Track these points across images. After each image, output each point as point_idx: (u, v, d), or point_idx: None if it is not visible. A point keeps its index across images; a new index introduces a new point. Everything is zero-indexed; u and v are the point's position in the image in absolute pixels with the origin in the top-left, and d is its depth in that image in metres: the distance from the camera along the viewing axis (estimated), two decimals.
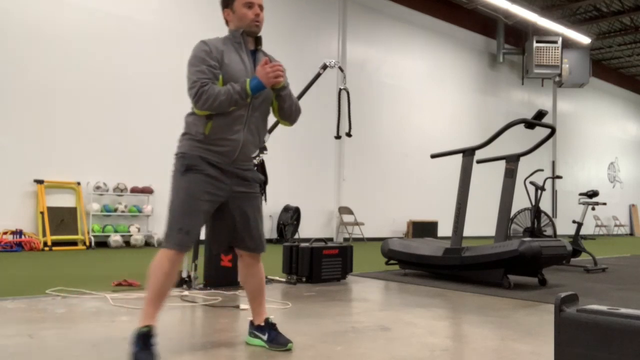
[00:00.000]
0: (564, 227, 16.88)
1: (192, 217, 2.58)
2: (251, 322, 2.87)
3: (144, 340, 2.44)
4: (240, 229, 2.74)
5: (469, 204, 5.71)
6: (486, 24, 17.07)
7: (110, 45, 9.60)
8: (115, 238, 9.22)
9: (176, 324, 3.35)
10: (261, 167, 5.20)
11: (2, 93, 8.55)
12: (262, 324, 2.82)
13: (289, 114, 2.81)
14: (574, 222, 7.84)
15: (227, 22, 2.78)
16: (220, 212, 2.72)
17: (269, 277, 5.28)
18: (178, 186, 2.63)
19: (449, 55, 15.97)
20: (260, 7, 2.72)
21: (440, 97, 15.65)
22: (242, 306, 3.88)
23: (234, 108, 2.60)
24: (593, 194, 7.56)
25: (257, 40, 2.78)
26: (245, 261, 2.84)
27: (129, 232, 9.46)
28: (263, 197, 5.18)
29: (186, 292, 4.42)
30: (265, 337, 2.78)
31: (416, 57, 14.99)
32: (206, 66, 2.58)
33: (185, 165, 2.63)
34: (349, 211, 12.83)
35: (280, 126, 5.46)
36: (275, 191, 9.96)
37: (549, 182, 18.72)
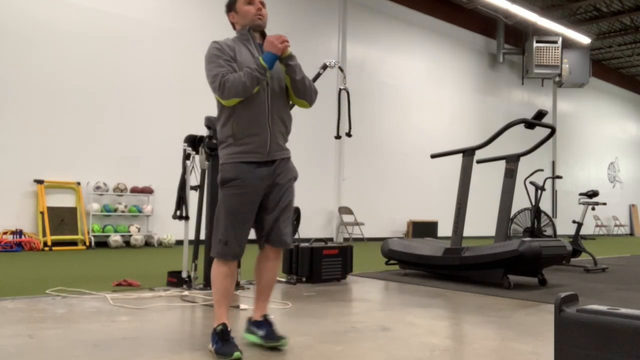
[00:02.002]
0: (564, 227, 16.88)
1: (232, 231, 2.70)
2: (249, 319, 2.92)
3: (222, 336, 2.62)
4: (272, 220, 2.79)
5: (469, 204, 5.71)
6: (486, 24, 17.07)
7: (110, 46, 9.59)
8: (115, 238, 9.22)
9: (176, 324, 3.35)
10: None
11: (2, 93, 8.55)
12: (260, 319, 2.86)
13: (302, 89, 2.82)
14: (574, 222, 7.84)
15: (233, 26, 2.88)
16: (261, 207, 2.82)
17: None
18: (220, 199, 2.75)
19: (449, 55, 15.97)
20: (262, 2, 2.82)
21: (440, 97, 15.65)
22: (242, 306, 3.88)
23: (257, 88, 2.67)
24: (593, 194, 7.56)
25: (264, 35, 2.86)
26: (266, 254, 2.88)
27: (129, 232, 9.46)
28: None
29: (186, 292, 4.42)
30: (261, 333, 2.81)
31: (416, 57, 14.99)
32: (222, 60, 2.69)
33: (223, 179, 2.73)
34: (349, 211, 12.83)
35: None
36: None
37: (549, 182, 18.74)
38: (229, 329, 2.66)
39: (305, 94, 2.84)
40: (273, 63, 2.69)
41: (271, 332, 2.80)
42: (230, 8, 2.86)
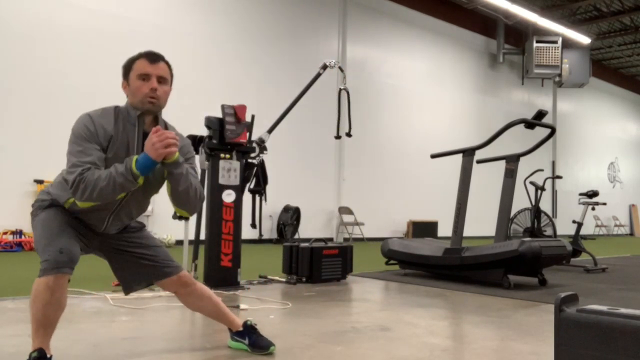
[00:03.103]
0: (564, 227, 16.88)
1: (54, 240, 2.19)
2: (230, 330, 2.73)
3: None
4: (144, 264, 2.49)
5: (469, 204, 5.71)
6: (486, 24, 17.07)
7: (110, 45, 9.59)
8: None
9: (176, 324, 3.35)
10: (261, 167, 5.21)
11: (2, 93, 8.55)
12: (241, 329, 2.67)
13: (184, 200, 2.33)
14: (574, 222, 7.84)
15: (126, 96, 2.40)
16: (115, 259, 2.51)
17: (269, 277, 5.29)
18: (37, 223, 2.28)
19: (449, 55, 15.97)
20: (162, 79, 2.34)
21: (440, 97, 15.65)
22: (242, 306, 3.88)
23: (122, 195, 2.23)
24: (593, 194, 7.56)
25: (157, 120, 2.38)
26: (179, 291, 2.58)
27: None
28: (263, 197, 5.20)
29: None
30: (247, 341, 2.64)
31: (416, 57, 14.99)
32: (91, 146, 2.21)
33: (41, 207, 2.32)
34: (349, 211, 12.83)
35: (280, 126, 5.48)
36: (275, 191, 9.97)
37: (549, 182, 18.73)
38: (48, 355, 2.18)
39: (186, 205, 2.36)
40: (149, 170, 2.18)
41: (257, 339, 2.63)
42: (125, 75, 2.36)
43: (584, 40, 17.34)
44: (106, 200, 2.19)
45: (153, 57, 2.34)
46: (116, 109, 2.35)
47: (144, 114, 2.33)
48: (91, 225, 2.38)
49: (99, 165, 2.19)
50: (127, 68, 2.34)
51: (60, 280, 2.13)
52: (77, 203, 2.21)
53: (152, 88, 2.29)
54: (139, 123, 2.32)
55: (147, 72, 2.29)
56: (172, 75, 2.41)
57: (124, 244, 2.48)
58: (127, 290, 2.56)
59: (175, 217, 4.92)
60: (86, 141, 2.20)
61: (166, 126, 2.43)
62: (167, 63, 2.38)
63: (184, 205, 2.36)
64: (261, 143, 5.13)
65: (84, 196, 2.14)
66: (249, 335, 2.65)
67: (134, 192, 2.31)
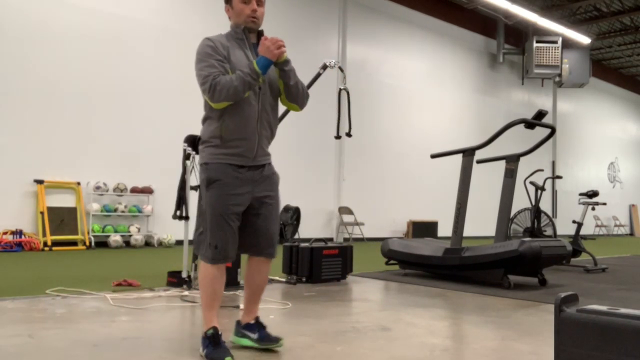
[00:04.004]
0: (564, 227, 16.88)
1: (221, 233, 2.63)
2: (238, 322, 2.86)
3: (213, 340, 2.56)
4: (255, 235, 2.74)
5: (469, 204, 5.71)
6: (486, 24, 17.07)
7: (110, 46, 9.59)
8: (115, 238, 9.22)
9: (176, 324, 3.35)
10: None
11: (2, 93, 8.54)
12: (253, 322, 2.81)
13: (295, 93, 2.78)
14: (574, 222, 7.84)
15: (229, 18, 2.80)
16: (251, 219, 2.75)
17: (269, 277, 5.28)
18: (206, 201, 2.68)
19: (449, 55, 15.97)
20: (259, 1, 2.73)
21: (440, 97, 15.64)
22: (242, 306, 3.87)
23: (249, 93, 2.61)
24: (593, 194, 7.56)
25: (259, 35, 2.77)
26: (254, 262, 2.83)
27: (129, 232, 9.46)
28: None
29: (186, 292, 4.42)
30: (255, 336, 2.76)
31: (416, 57, 14.99)
32: (214, 60, 2.61)
33: (208, 179, 2.66)
34: (349, 211, 12.83)
35: (280, 127, 5.47)
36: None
37: (549, 182, 18.72)
38: (219, 333, 2.60)
39: (297, 98, 2.81)
40: (267, 68, 2.62)
41: (266, 334, 2.76)
42: (226, 1, 2.78)
43: (584, 40, 17.34)
44: (238, 98, 2.58)
45: None
46: (225, 33, 2.77)
47: (246, 29, 2.74)
48: (244, 157, 2.67)
49: (225, 73, 2.59)
50: None
51: (217, 267, 2.65)
52: (212, 105, 2.60)
53: (253, 9, 2.70)
54: (247, 40, 2.74)
55: None
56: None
57: (263, 194, 2.75)
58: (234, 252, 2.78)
59: (175, 217, 4.93)
60: (211, 56, 2.61)
61: None
62: None
63: (295, 99, 2.80)
64: None
65: (221, 96, 2.54)
66: (259, 330, 2.77)
67: (264, 97, 2.71)
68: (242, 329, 2.82)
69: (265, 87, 2.71)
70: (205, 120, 2.74)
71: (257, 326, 2.79)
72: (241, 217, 2.70)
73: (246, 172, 2.68)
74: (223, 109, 2.63)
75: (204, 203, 2.69)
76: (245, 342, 2.78)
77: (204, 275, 2.66)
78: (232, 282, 4.71)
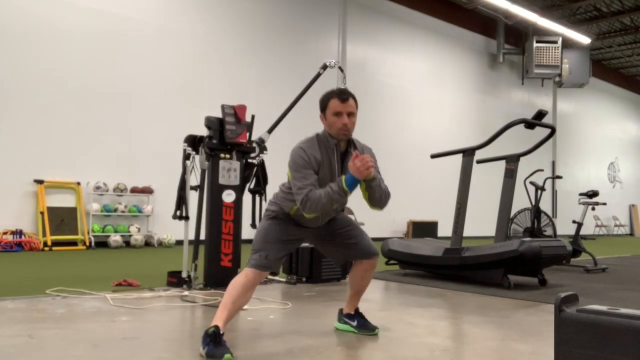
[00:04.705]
0: (564, 227, 16.87)
1: (276, 247, 2.90)
2: (341, 310, 3.28)
3: (214, 338, 2.59)
4: (348, 249, 3.11)
5: (469, 204, 5.70)
6: (486, 24, 17.07)
7: (110, 45, 9.59)
8: (115, 238, 9.22)
9: (176, 324, 3.35)
10: (261, 167, 5.21)
11: (2, 93, 8.54)
12: (352, 312, 3.22)
13: (379, 201, 2.99)
14: (574, 222, 7.84)
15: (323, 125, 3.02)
16: (327, 244, 3.15)
17: (269, 277, 5.28)
18: (264, 228, 2.98)
19: (449, 55, 15.96)
20: (350, 114, 2.89)
21: (440, 97, 15.64)
22: (244, 306, 3.87)
23: (337, 205, 2.91)
24: (593, 194, 7.56)
25: (349, 142, 2.99)
26: (363, 266, 3.14)
27: (129, 232, 9.46)
28: (263, 197, 5.20)
29: (186, 292, 4.42)
30: (354, 324, 3.17)
31: (416, 57, 14.98)
32: (308, 172, 2.85)
33: (274, 214, 2.99)
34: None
35: (280, 126, 5.48)
36: (276, 191, 9.93)
37: (549, 182, 18.70)
38: (221, 332, 2.63)
39: (379, 204, 3.00)
40: (354, 187, 2.83)
41: (364, 322, 3.16)
42: (322, 110, 2.96)
43: (584, 40, 17.34)
44: (326, 211, 2.90)
45: (343, 97, 2.89)
46: (317, 137, 2.97)
47: (338, 141, 2.95)
48: (308, 224, 3.01)
49: (315, 186, 2.83)
50: (324, 105, 2.94)
51: (258, 276, 2.83)
52: (305, 215, 2.85)
53: (344, 124, 2.87)
54: (337, 149, 2.95)
55: (339, 110, 2.87)
56: (357, 106, 2.95)
57: (334, 228, 3.10)
58: (340, 263, 3.43)
59: (175, 217, 4.93)
60: (304, 168, 2.85)
61: (360, 147, 3.06)
62: (354, 99, 2.93)
63: (378, 205, 3.01)
64: (261, 143, 5.13)
65: (311, 210, 2.79)
66: (358, 319, 3.19)
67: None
68: (344, 317, 3.23)
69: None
70: (284, 190, 3.00)
71: (357, 316, 3.21)
72: (327, 243, 3.14)
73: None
74: None
75: (261, 230, 2.97)
76: (347, 327, 3.19)
77: (240, 279, 2.81)
78: None
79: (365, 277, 3.19)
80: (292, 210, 2.95)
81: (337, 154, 2.96)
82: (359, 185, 2.89)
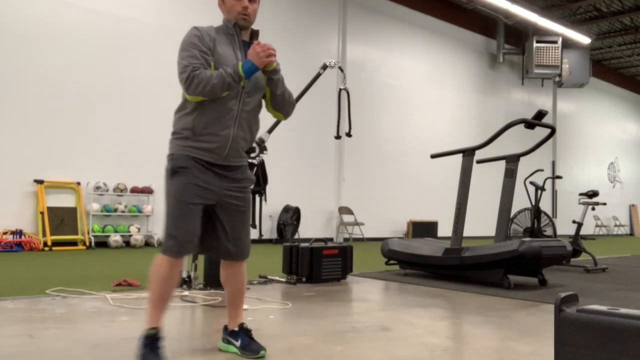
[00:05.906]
0: (564, 227, 16.89)
1: (182, 223, 2.47)
2: (225, 327, 2.77)
3: (151, 342, 2.44)
4: (224, 239, 2.62)
5: (469, 204, 5.71)
6: (486, 24, 17.07)
7: (110, 45, 9.59)
8: (115, 238, 9.22)
9: (176, 324, 3.35)
10: (261, 167, 5.20)
11: (2, 93, 8.54)
12: (236, 329, 2.70)
13: (281, 102, 2.70)
14: (574, 222, 7.84)
15: (223, 13, 2.72)
16: (207, 217, 2.60)
17: (269, 277, 5.29)
18: (168, 191, 2.54)
19: (449, 55, 15.97)
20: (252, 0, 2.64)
21: (440, 97, 15.64)
22: (244, 306, 3.87)
23: (227, 93, 2.51)
24: (593, 194, 7.56)
25: (253, 34, 2.71)
26: (227, 264, 2.72)
27: (129, 232, 9.46)
28: (263, 197, 5.19)
29: (186, 292, 4.42)
30: (237, 344, 2.65)
31: (416, 57, 14.99)
32: (198, 51, 2.52)
33: (173, 167, 2.54)
34: (349, 211, 12.83)
35: (280, 127, 5.47)
36: (275, 191, 9.96)
37: (549, 182, 18.73)
38: (159, 336, 2.46)
39: (282, 107, 2.72)
40: (252, 74, 2.52)
41: (249, 342, 2.63)
42: None
43: (584, 40, 17.34)
44: (214, 96, 2.48)
45: None
46: (217, 26, 2.69)
47: (237, 25, 2.65)
48: (214, 153, 2.55)
49: (206, 67, 2.50)
50: None
51: (174, 261, 2.48)
52: (187, 97, 2.54)
53: (244, 6, 2.62)
54: (236, 32, 2.65)
55: None
56: None
57: (232, 195, 2.62)
58: (199, 250, 2.72)
59: None
60: (195, 46, 2.53)
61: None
62: None
63: (281, 108, 2.73)
64: (261, 143, 5.13)
65: (197, 90, 2.46)
66: (242, 337, 2.66)
67: (247, 98, 2.60)
68: (227, 335, 2.72)
69: (251, 88, 2.60)
70: (178, 111, 2.65)
71: (241, 333, 2.68)
72: (208, 215, 2.58)
73: (212, 170, 2.56)
74: (200, 102, 2.53)
75: (166, 194, 2.54)
76: (231, 348, 2.68)
77: (155, 269, 2.49)
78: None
79: (237, 275, 2.72)
80: (194, 122, 2.54)
81: (238, 42, 2.64)
82: (264, 92, 2.65)
